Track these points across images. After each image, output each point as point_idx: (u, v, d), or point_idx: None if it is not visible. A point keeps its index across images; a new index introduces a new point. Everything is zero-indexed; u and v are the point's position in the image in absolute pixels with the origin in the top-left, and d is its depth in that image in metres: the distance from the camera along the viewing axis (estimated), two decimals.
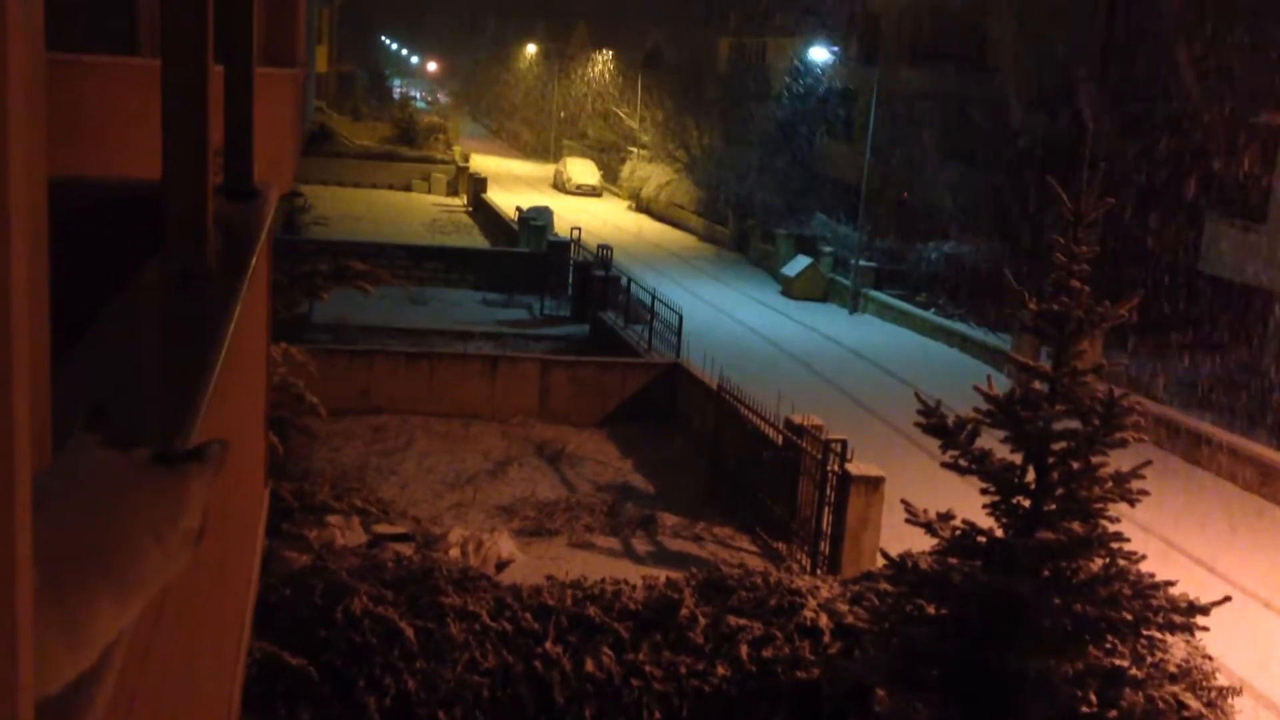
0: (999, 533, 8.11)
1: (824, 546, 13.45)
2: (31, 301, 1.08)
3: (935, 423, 8.20)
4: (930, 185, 34.33)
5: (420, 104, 78.08)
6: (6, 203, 1.00)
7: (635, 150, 54.08)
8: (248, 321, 3.67)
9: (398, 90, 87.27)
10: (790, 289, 32.98)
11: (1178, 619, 7.69)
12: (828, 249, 34.19)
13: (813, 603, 10.13)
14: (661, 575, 11.11)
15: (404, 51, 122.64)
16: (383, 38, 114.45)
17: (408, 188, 48.78)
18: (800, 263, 33.54)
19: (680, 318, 22.54)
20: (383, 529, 13.03)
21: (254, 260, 3.67)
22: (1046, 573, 7.89)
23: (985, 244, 30.36)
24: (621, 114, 59.09)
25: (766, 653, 9.53)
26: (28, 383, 1.04)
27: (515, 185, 53.42)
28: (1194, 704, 8.51)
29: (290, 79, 9.40)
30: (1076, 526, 7.74)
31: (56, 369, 1.45)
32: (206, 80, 3.28)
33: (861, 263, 31.63)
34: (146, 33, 7.38)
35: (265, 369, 5.89)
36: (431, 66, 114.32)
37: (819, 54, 43.47)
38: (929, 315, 29.05)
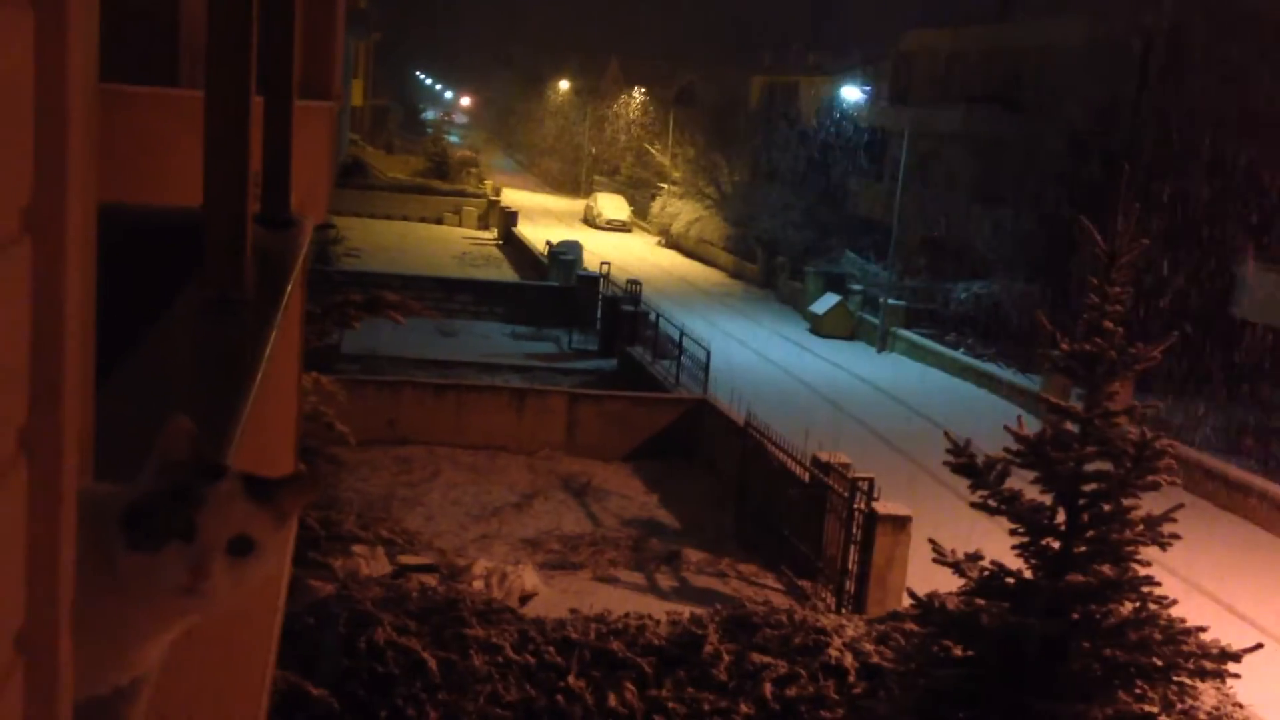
0: (1028, 574, 8.04)
1: (850, 585, 13.36)
2: (81, 325, 1.11)
3: (964, 462, 8.15)
4: (961, 225, 34.30)
5: (452, 137, 78.75)
6: (64, 232, 1.02)
7: (666, 186, 54.32)
8: (282, 349, 3.71)
9: (430, 121, 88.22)
10: (819, 327, 32.94)
11: (1209, 665, 7.58)
12: (857, 287, 34.14)
13: (838, 642, 10.07)
14: (686, 611, 11.06)
15: (437, 86, 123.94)
16: (417, 72, 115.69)
17: (439, 221, 49.10)
18: (829, 300, 33.52)
19: (708, 354, 22.53)
20: (407, 559, 13.05)
21: (289, 287, 3.71)
22: (1076, 616, 7.80)
23: (1016, 284, 30.25)
24: (653, 150, 59.41)
25: (790, 691, 9.46)
26: (78, 404, 1.06)
27: (546, 219, 53.71)
28: None
29: (326, 111, 9.52)
30: (1107, 569, 7.65)
31: (98, 391, 1.47)
32: (249, 110, 3.34)
33: (891, 301, 31.56)
34: (187, 64, 7.50)
35: (297, 397, 5.94)
36: (465, 101, 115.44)
37: (851, 93, 43.68)
38: (958, 355, 28.92)
